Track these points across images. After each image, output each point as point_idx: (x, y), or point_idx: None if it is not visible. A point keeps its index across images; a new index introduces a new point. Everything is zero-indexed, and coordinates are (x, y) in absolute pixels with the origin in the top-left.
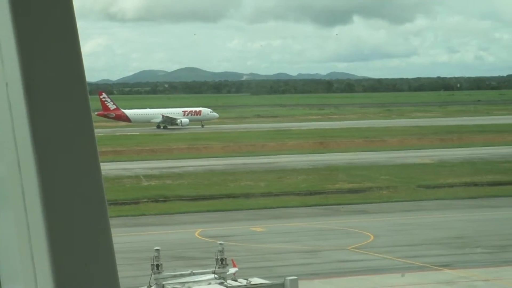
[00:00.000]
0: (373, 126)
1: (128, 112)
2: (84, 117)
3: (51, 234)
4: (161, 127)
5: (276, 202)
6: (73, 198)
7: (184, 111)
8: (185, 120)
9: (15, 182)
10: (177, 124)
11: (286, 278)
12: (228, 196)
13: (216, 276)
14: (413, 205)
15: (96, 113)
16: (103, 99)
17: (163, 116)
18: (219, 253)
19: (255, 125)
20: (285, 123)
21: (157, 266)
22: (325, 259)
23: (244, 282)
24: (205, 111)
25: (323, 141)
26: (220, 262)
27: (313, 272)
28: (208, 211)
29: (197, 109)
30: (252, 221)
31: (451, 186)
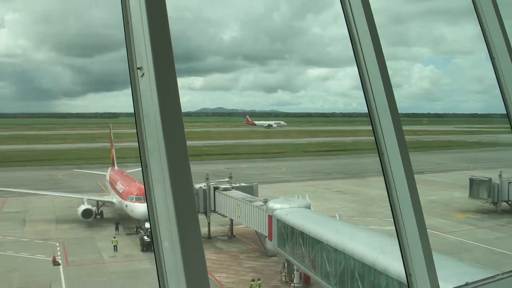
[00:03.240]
0: (285, 130)
1: (256, 122)
2: (179, 128)
3: (176, 206)
4: (267, 128)
5: (250, 156)
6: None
7: (276, 122)
8: (275, 125)
9: (160, 170)
10: (273, 127)
11: (253, 183)
12: (233, 153)
13: (229, 182)
14: (299, 158)
15: (245, 122)
16: (247, 117)
17: (268, 124)
18: (230, 174)
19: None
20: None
21: (207, 178)
22: (266, 177)
23: (238, 184)
24: (283, 122)
25: (267, 135)
26: (230, 177)
27: (263, 181)
28: (226, 159)
29: (279, 121)
30: (241, 163)
31: (313, 151)
